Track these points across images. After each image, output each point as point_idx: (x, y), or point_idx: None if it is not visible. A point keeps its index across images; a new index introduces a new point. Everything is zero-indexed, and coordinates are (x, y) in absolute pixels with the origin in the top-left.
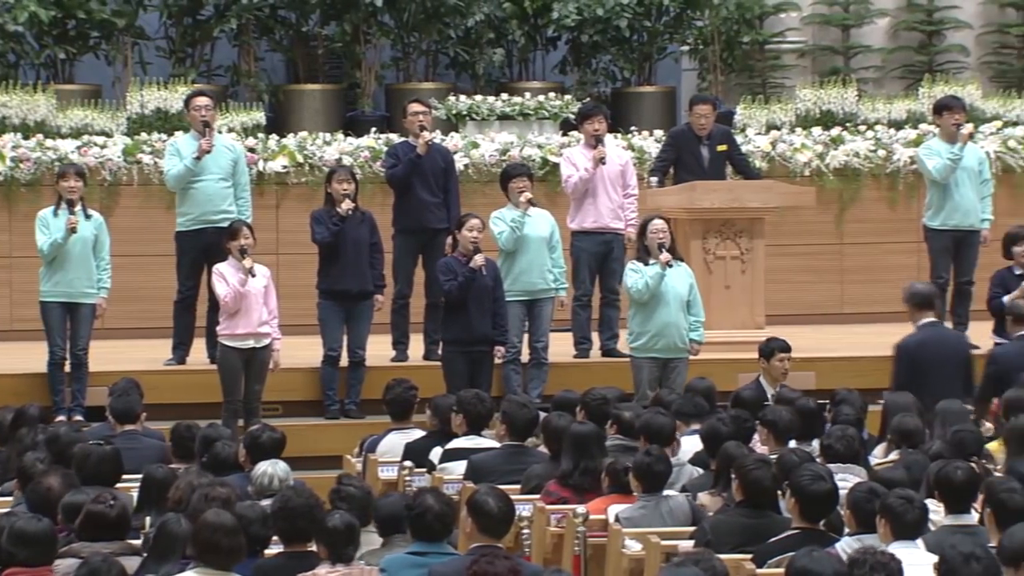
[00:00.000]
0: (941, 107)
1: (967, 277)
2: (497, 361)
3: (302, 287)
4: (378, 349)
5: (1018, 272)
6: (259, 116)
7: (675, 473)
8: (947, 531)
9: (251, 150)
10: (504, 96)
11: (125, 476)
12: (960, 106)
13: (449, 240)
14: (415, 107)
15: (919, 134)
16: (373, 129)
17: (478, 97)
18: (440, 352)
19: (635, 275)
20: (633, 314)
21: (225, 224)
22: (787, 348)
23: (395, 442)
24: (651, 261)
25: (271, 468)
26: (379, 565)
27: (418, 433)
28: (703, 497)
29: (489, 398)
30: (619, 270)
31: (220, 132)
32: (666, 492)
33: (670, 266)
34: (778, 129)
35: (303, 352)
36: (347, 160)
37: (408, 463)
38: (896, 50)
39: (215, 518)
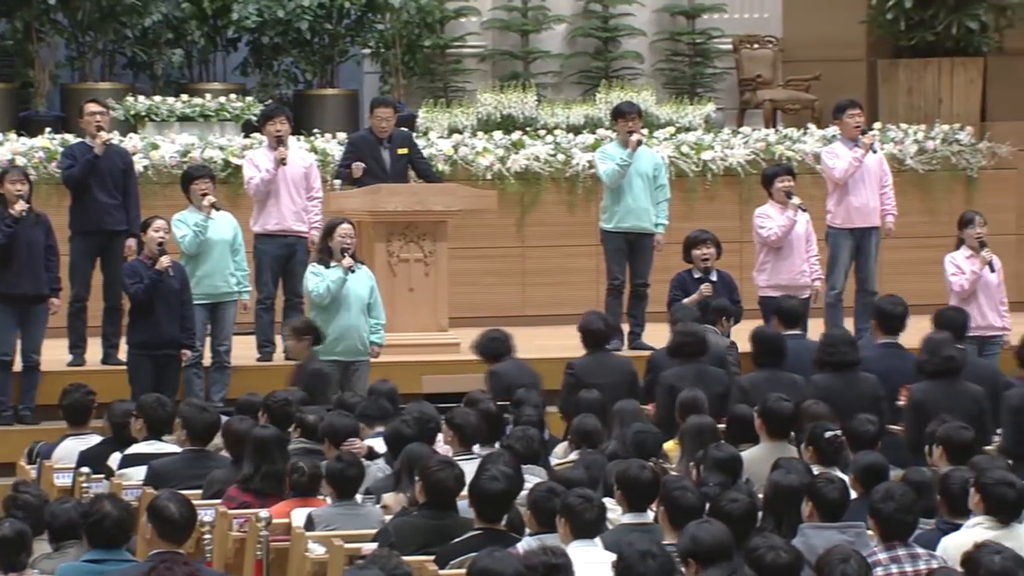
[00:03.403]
0: (617, 113)
1: (642, 279)
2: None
3: None
4: (54, 353)
5: (697, 275)
6: None
7: None
8: (624, 529)
9: None
10: (184, 97)
11: None
12: (635, 112)
13: (132, 243)
14: (92, 107)
15: (596, 139)
16: (48, 129)
17: (157, 98)
18: (126, 356)
19: (316, 278)
20: (314, 317)
21: None
22: None
23: (71, 448)
24: (332, 264)
25: None
26: (54, 574)
27: (96, 439)
28: (387, 498)
29: (171, 402)
30: (302, 273)
31: None
32: (359, 497)
33: (352, 271)
34: (460, 133)
35: None
36: (20, 161)
37: (85, 469)
38: (573, 56)
39: None
